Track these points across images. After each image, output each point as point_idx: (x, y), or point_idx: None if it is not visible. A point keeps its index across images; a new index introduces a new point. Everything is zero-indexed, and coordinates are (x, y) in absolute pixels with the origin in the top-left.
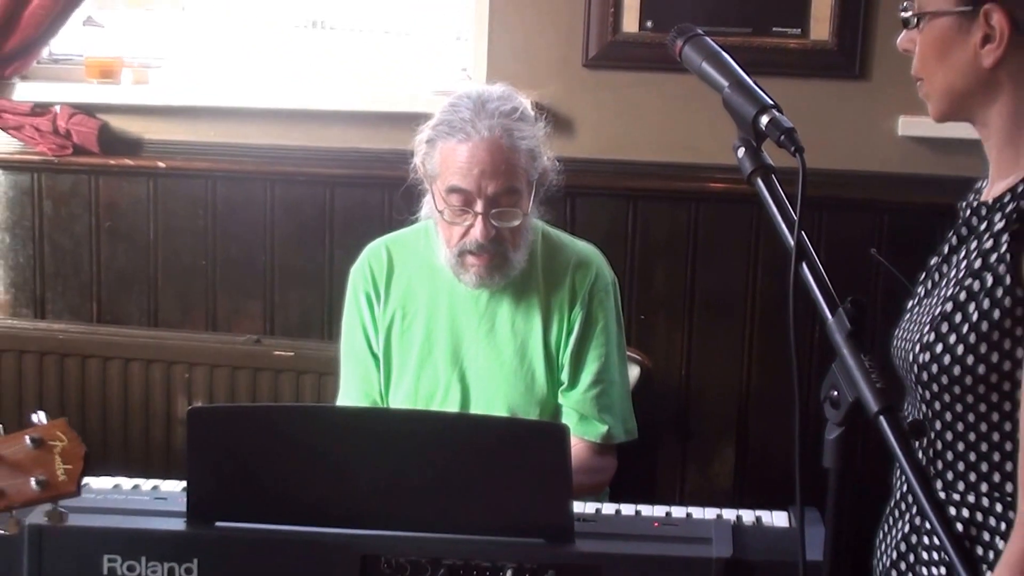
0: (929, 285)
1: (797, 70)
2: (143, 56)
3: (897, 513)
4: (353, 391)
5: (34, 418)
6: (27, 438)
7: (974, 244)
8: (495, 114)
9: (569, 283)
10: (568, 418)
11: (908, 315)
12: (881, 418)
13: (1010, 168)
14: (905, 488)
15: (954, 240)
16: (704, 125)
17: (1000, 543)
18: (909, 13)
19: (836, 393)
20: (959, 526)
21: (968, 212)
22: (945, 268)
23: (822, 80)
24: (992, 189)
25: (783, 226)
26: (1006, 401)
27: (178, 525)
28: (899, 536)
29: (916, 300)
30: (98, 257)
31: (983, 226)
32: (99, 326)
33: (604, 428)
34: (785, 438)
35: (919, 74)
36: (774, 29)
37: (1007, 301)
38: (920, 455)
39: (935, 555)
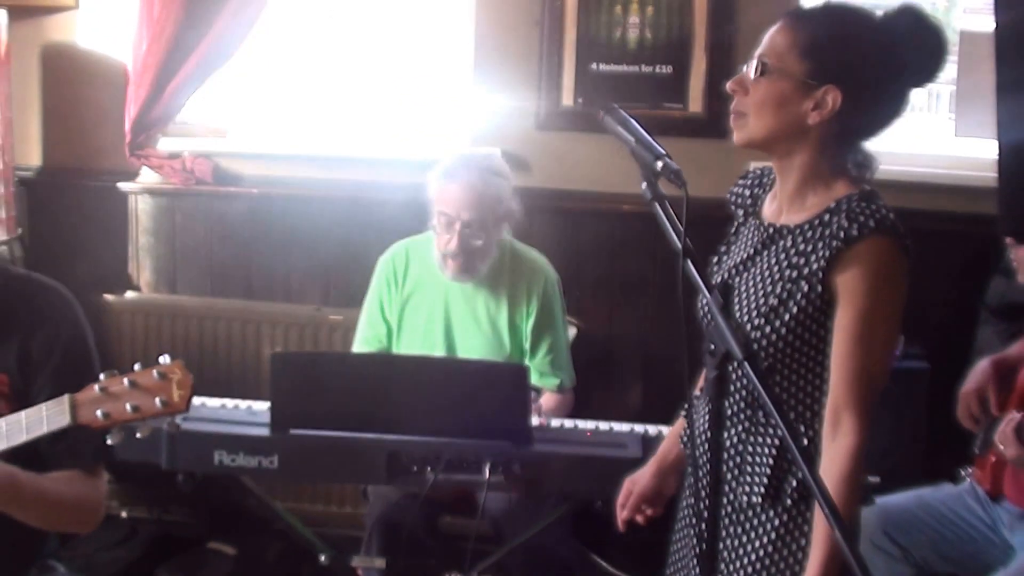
0: (733, 272)
1: (681, 132)
2: (242, 119)
3: (728, 424)
4: (366, 343)
5: (161, 359)
6: (155, 372)
7: (783, 257)
8: (475, 167)
9: (526, 282)
10: (532, 376)
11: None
12: (745, 363)
13: (800, 204)
14: (736, 408)
15: (759, 246)
16: (619, 167)
17: None
18: (763, 64)
19: (713, 346)
20: (776, 440)
21: (770, 229)
22: (752, 268)
23: (697, 139)
24: (788, 216)
25: (673, 235)
26: (811, 362)
27: (264, 432)
28: (735, 440)
29: (721, 280)
30: (211, 252)
31: (787, 243)
32: (213, 298)
33: (557, 380)
34: (677, 376)
35: (745, 110)
36: (664, 104)
37: (817, 302)
38: (745, 394)
39: (764, 449)
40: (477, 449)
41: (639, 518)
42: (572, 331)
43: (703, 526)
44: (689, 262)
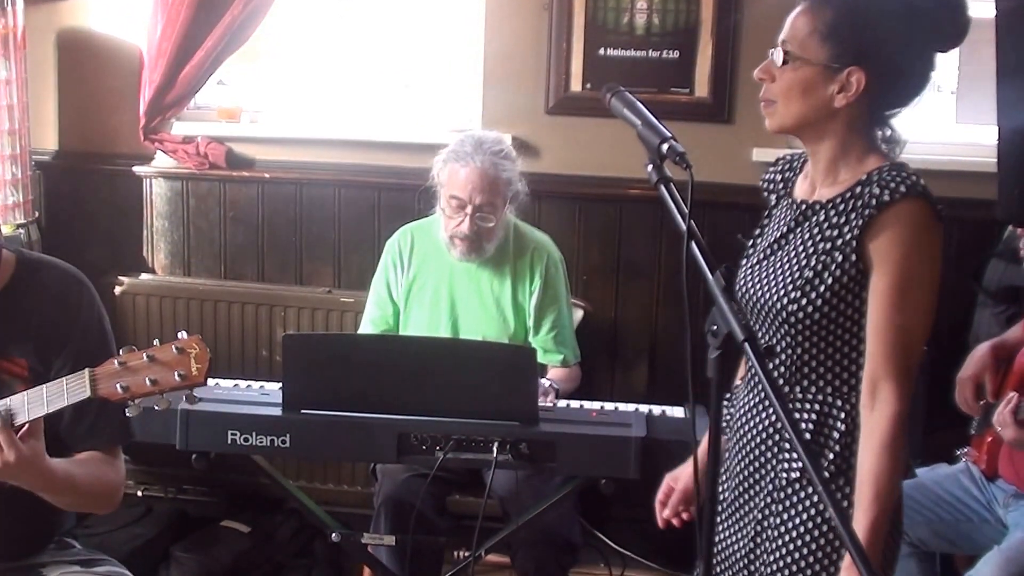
0: (768, 251)
1: (687, 116)
2: (255, 104)
3: (753, 412)
4: (374, 323)
5: (179, 335)
6: (173, 347)
7: (816, 231)
8: (487, 151)
9: (529, 260)
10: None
11: (755, 270)
12: (746, 344)
13: (832, 180)
14: (761, 395)
15: (792, 223)
16: (625, 150)
17: (840, 425)
18: (785, 52)
19: (715, 327)
20: (813, 415)
21: (803, 207)
22: (787, 246)
23: (703, 123)
24: (820, 192)
25: (678, 217)
26: (847, 334)
27: (276, 412)
28: (774, 419)
29: (757, 260)
30: (225, 235)
31: (819, 218)
32: (226, 281)
33: (561, 356)
34: (681, 357)
35: (773, 98)
36: (671, 89)
37: (852, 271)
38: (783, 369)
39: (800, 425)
40: (485, 429)
41: (675, 522)
42: (579, 313)
43: (700, 501)
44: (693, 244)
